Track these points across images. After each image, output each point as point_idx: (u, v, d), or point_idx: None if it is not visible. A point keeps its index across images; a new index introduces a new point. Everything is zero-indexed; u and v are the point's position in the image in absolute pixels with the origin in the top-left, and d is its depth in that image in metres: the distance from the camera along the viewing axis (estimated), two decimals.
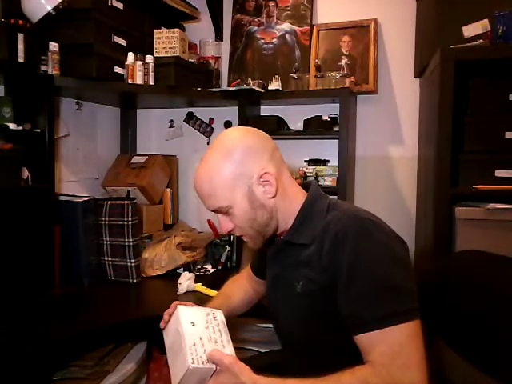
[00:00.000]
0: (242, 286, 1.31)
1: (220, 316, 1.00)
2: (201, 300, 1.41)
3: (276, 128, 1.91)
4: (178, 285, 1.64)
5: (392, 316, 0.82)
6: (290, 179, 1.02)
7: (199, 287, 1.65)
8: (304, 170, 1.92)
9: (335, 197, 1.72)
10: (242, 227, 0.98)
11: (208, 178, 0.95)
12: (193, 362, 0.85)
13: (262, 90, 1.93)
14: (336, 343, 0.91)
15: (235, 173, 0.94)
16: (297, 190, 1.02)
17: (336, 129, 1.85)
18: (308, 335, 0.95)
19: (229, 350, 0.91)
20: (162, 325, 1.03)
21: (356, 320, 0.84)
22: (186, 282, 1.63)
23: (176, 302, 1.06)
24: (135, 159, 2.12)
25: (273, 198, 0.97)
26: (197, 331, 0.92)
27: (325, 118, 1.89)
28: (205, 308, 1.03)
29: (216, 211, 0.99)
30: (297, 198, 1.00)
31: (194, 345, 0.88)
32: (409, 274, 0.88)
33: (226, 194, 0.94)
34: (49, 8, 1.51)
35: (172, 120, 2.34)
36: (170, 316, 1.01)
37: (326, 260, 0.89)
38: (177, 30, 1.82)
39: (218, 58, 2.18)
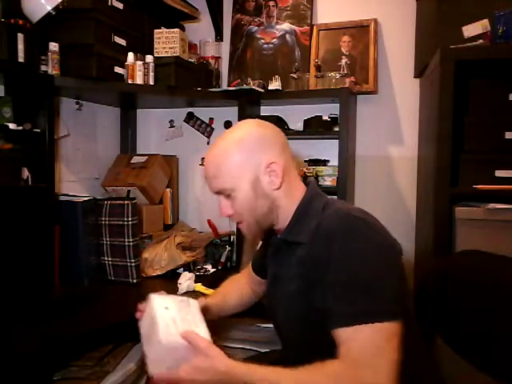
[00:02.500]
0: (239, 286, 1.31)
1: (194, 303, 0.99)
2: None
3: None
4: (178, 285, 1.64)
5: (367, 314, 0.82)
6: (297, 178, 1.04)
7: (199, 287, 1.65)
8: (304, 169, 1.92)
9: (335, 196, 1.72)
10: (241, 213, 1.00)
11: (216, 159, 0.98)
12: (166, 339, 0.85)
13: (262, 90, 1.93)
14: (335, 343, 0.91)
15: (244, 158, 0.96)
16: (300, 189, 1.03)
17: (336, 129, 1.85)
18: (307, 335, 0.95)
19: (203, 332, 0.90)
20: (137, 315, 1.03)
21: (333, 315, 0.85)
22: (186, 281, 1.64)
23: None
24: (135, 159, 2.12)
25: (277, 190, 0.98)
26: (170, 314, 0.92)
27: (325, 118, 1.90)
28: (179, 296, 1.03)
29: (219, 193, 1.00)
30: (298, 197, 1.01)
31: (167, 326, 0.88)
32: (394, 276, 0.87)
33: (232, 177, 0.96)
34: (49, 8, 1.51)
35: (172, 120, 2.34)
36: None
37: (317, 258, 0.90)
38: (177, 30, 1.82)
39: (218, 58, 2.18)
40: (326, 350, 0.86)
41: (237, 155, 0.96)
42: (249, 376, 0.83)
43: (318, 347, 0.95)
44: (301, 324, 0.96)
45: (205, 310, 1.08)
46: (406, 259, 1.94)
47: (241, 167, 0.96)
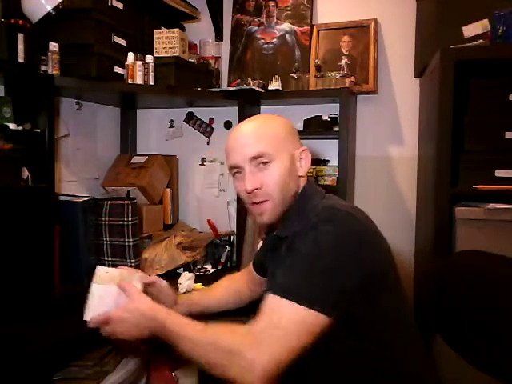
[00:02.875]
0: (232, 284, 1.32)
1: (137, 275, 1.12)
2: None
3: None
4: (178, 285, 1.64)
5: (293, 292, 0.82)
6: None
7: (199, 287, 1.65)
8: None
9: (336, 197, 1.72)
10: (272, 188, 0.96)
11: (263, 125, 1.01)
12: (100, 283, 1.06)
13: (262, 90, 1.93)
14: (330, 341, 0.90)
15: (289, 135, 1.02)
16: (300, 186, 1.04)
17: (336, 129, 1.85)
18: None
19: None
20: None
21: (271, 282, 0.88)
22: (187, 281, 1.64)
23: None
24: (135, 159, 2.12)
25: (301, 177, 1.02)
26: (109, 276, 1.09)
27: (325, 118, 1.90)
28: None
29: (255, 158, 0.96)
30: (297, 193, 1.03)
31: (104, 275, 1.08)
32: (350, 272, 0.85)
33: (277, 144, 0.98)
34: (49, 8, 1.51)
35: (172, 120, 2.34)
36: None
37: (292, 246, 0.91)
38: (177, 30, 1.82)
39: (218, 58, 2.18)
40: (322, 345, 0.86)
41: (283, 128, 1.02)
42: (169, 320, 0.92)
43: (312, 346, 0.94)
44: None
45: (173, 301, 1.18)
46: (406, 259, 1.95)
47: (285, 140, 1.00)
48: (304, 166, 1.02)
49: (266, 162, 0.96)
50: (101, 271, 1.12)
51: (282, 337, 0.80)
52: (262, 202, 0.98)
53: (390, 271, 0.94)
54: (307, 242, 0.87)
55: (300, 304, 0.81)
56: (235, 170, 1.01)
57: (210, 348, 0.85)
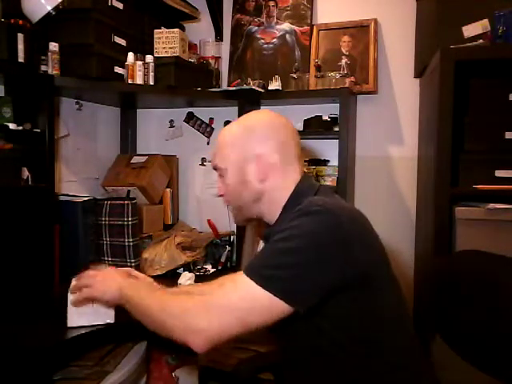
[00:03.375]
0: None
1: None
2: None
3: None
4: (178, 285, 1.64)
5: (255, 271, 0.85)
6: (294, 177, 1.02)
7: None
8: (304, 170, 1.92)
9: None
10: (229, 195, 1.05)
11: (224, 132, 1.05)
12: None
13: (262, 90, 1.93)
14: (323, 341, 0.90)
15: (239, 141, 1.00)
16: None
17: (336, 129, 1.85)
18: (296, 331, 0.94)
19: None
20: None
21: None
22: (187, 281, 1.63)
23: None
24: (135, 159, 2.12)
25: (262, 182, 0.99)
26: None
27: (325, 118, 1.90)
28: None
29: (215, 169, 1.05)
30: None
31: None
32: (319, 267, 0.83)
33: (225, 156, 1.02)
34: (49, 8, 1.51)
35: (172, 120, 2.34)
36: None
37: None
38: (177, 30, 1.82)
39: (218, 58, 2.18)
40: (316, 344, 0.86)
41: (234, 133, 1.02)
42: (126, 283, 1.02)
43: (306, 345, 0.94)
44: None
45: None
46: (406, 259, 1.95)
47: (233, 148, 1.00)
48: (260, 171, 0.99)
49: (221, 174, 1.04)
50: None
51: (232, 310, 0.83)
52: (227, 204, 1.09)
53: (377, 270, 0.90)
54: (282, 233, 0.88)
55: (257, 283, 0.83)
56: None
57: (161, 311, 0.89)
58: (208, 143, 2.28)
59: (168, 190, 2.16)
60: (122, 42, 1.77)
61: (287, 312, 0.83)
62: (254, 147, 0.99)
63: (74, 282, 1.15)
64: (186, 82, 1.88)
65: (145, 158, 2.10)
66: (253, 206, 1.03)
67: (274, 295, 0.81)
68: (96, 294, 1.06)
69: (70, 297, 1.19)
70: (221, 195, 1.07)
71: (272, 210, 1.01)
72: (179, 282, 1.65)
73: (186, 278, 1.66)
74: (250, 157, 0.99)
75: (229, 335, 0.83)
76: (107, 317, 1.25)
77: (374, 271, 0.89)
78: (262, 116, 1.06)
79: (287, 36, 2.11)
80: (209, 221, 2.11)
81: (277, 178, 0.99)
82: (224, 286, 0.87)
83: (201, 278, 1.76)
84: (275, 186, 1.00)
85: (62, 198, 1.72)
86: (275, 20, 2.13)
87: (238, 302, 0.83)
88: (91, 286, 1.06)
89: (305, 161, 1.99)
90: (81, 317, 1.23)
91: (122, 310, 1.02)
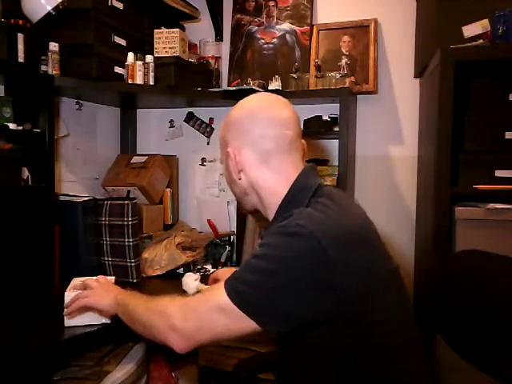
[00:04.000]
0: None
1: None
2: None
3: None
4: (184, 286, 1.59)
5: (230, 283, 0.85)
6: (288, 173, 0.97)
7: (202, 287, 1.62)
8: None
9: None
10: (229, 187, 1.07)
11: (227, 118, 1.04)
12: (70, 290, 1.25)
13: (262, 90, 1.93)
14: (318, 342, 0.88)
15: (231, 129, 1.01)
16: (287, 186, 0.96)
17: (336, 129, 1.84)
18: (291, 335, 0.91)
19: None
20: None
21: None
22: (195, 282, 1.58)
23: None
24: (135, 159, 2.12)
25: (239, 178, 0.99)
26: (83, 284, 1.26)
27: (325, 118, 1.89)
28: None
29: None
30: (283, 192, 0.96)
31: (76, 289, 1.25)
32: (282, 295, 0.80)
33: (222, 144, 1.03)
34: (49, 8, 1.51)
35: (172, 120, 2.34)
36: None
37: None
38: (177, 30, 1.82)
39: (218, 58, 2.18)
40: (312, 350, 0.86)
41: (229, 125, 1.01)
42: (121, 293, 1.10)
43: (302, 347, 0.92)
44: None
45: None
46: (406, 259, 1.95)
47: (226, 139, 1.01)
48: (234, 168, 0.98)
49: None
50: (76, 281, 1.30)
51: (205, 319, 0.85)
52: None
53: (374, 297, 0.83)
54: (260, 248, 0.86)
55: (229, 297, 0.83)
56: None
57: (146, 311, 0.95)
58: (208, 143, 2.28)
59: (168, 189, 2.16)
60: (122, 42, 1.77)
61: (258, 330, 0.82)
62: (231, 140, 0.99)
63: (73, 283, 1.16)
64: (186, 82, 1.88)
65: (145, 158, 2.10)
66: (245, 198, 1.03)
67: (243, 312, 0.81)
68: (91, 304, 1.14)
69: (67, 298, 1.22)
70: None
71: (266, 207, 0.98)
72: (186, 281, 1.59)
73: (193, 278, 1.59)
74: (225, 150, 1.00)
75: (200, 340, 0.86)
76: (103, 317, 1.25)
77: (366, 300, 0.81)
78: (252, 104, 1.03)
79: (287, 36, 2.10)
80: (209, 221, 2.11)
81: (256, 177, 0.97)
82: (205, 293, 0.92)
83: (201, 278, 1.75)
84: (259, 182, 0.97)
85: (61, 198, 1.72)
86: (275, 20, 2.13)
87: (208, 310, 0.85)
88: (88, 296, 1.13)
89: (305, 161, 1.98)
90: (77, 317, 1.25)
91: None
